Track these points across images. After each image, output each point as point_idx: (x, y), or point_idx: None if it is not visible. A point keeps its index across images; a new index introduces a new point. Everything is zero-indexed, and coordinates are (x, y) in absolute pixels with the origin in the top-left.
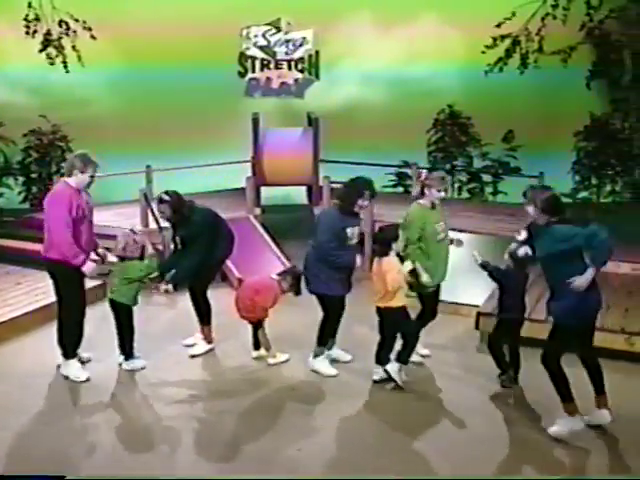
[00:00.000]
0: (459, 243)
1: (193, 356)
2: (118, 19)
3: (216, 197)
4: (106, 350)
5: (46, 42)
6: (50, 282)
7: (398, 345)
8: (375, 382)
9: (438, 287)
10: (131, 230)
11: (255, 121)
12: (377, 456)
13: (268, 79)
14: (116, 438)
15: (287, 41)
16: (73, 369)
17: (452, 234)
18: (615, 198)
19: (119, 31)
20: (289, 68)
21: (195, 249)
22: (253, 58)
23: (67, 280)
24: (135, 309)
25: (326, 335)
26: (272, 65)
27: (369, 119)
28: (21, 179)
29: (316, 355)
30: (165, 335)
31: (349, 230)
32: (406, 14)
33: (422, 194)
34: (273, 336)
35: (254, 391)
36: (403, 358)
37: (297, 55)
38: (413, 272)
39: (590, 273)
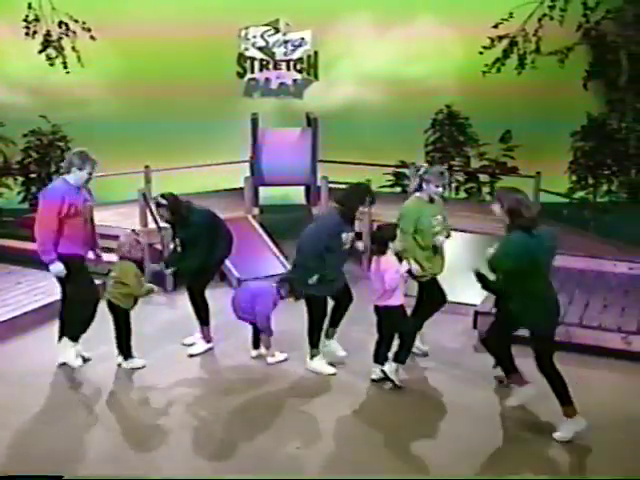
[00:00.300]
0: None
1: (192, 355)
2: (118, 20)
3: (214, 197)
4: (106, 350)
5: (46, 43)
6: (50, 282)
7: (397, 346)
8: (373, 381)
9: (435, 279)
10: (132, 231)
11: (254, 121)
12: (376, 455)
13: (267, 79)
14: (115, 437)
15: (286, 42)
16: (72, 355)
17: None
18: (611, 198)
19: (119, 31)
20: (288, 68)
21: (195, 252)
22: (252, 59)
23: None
24: (134, 309)
25: (315, 336)
26: (271, 66)
27: (367, 119)
28: (20, 179)
29: (312, 356)
30: (164, 334)
31: (344, 235)
32: (404, 15)
33: (420, 188)
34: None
35: (253, 390)
36: (400, 358)
37: (296, 56)
38: (410, 272)
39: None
